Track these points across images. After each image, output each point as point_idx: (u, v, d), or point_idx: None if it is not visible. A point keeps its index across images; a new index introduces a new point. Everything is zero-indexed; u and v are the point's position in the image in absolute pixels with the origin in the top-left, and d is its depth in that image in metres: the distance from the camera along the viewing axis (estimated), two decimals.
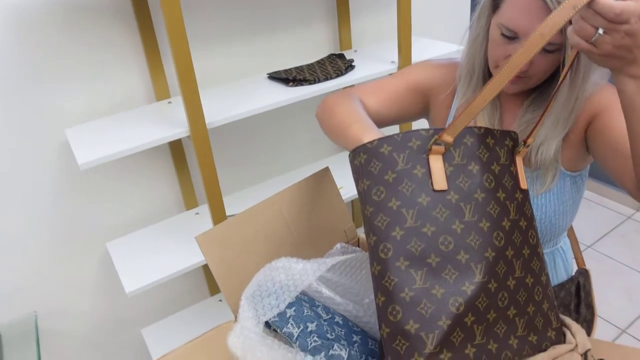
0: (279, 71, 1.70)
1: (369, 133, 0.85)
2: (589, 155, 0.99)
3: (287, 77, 1.60)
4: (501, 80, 0.68)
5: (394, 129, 1.93)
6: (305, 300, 0.83)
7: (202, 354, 0.86)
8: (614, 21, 0.62)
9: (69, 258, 1.66)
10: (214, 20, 1.63)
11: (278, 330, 0.77)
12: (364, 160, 0.74)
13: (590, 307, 1.20)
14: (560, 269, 1.16)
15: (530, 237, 0.76)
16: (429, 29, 2.16)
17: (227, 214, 1.61)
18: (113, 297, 1.79)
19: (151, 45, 1.52)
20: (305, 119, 1.95)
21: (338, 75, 1.63)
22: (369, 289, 0.90)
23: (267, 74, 1.70)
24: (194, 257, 1.51)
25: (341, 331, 0.81)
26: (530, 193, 0.99)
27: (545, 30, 0.63)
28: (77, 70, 1.47)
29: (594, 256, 2.64)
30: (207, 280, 1.93)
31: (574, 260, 1.21)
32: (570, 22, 0.66)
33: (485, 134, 0.76)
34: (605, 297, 2.39)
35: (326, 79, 1.61)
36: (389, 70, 1.69)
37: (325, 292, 0.87)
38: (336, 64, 1.71)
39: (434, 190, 0.71)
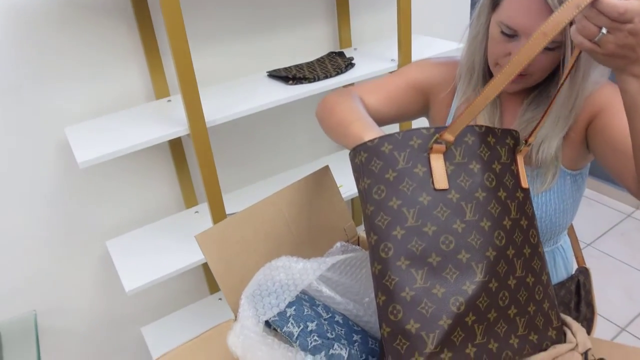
0: (278, 69, 1.69)
1: (370, 131, 0.85)
2: (589, 153, 0.99)
3: (287, 76, 1.60)
4: (503, 79, 0.68)
5: (393, 128, 1.92)
6: (305, 300, 0.83)
7: (202, 353, 0.86)
8: (618, 20, 0.62)
9: (68, 256, 1.65)
10: (214, 19, 1.62)
11: (278, 330, 0.77)
12: (364, 158, 0.74)
13: (591, 306, 1.20)
14: (560, 268, 1.16)
15: (531, 236, 0.76)
16: (429, 27, 2.16)
17: (227, 212, 1.61)
18: (112, 296, 1.79)
19: (151, 44, 1.51)
20: (304, 117, 1.95)
21: (338, 74, 1.63)
22: (369, 288, 0.90)
23: (267, 72, 1.69)
24: (194, 256, 1.51)
25: (341, 330, 0.81)
26: (531, 191, 0.99)
27: (548, 29, 0.63)
28: (77, 68, 1.47)
29: (594, 254, 2.64)
30: (207, 279, 1.93)
31: (574, 259, 1.21)
32: (571, 23, 0.66)
33: (486, 133, 0.76)
34: (604, 295, 2.39)
35: (326, 77, 1.61)
36: (389, 68, 1.69)
37: (326, 291, 0.86)
38: (336, 62, 1.71)
39: (435, 190, 0.71)
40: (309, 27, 1.83)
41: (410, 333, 0.66)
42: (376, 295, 0.70)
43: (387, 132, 0.84)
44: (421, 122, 1.60)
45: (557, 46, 0.86)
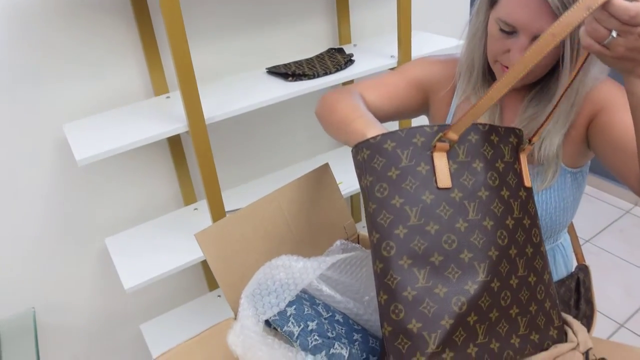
0: (278, 66, 1.69)
1: (373, 128, 0.84)
2: (589, 151, 0.98)
3: (286, 72, 1.60)
4: (510, 79, 0.67)
5: (392, 127, 1.92)
6: (305, 299, 0.83)
7: (202, 352, 0.86)
8: (629, 24, 0.60)
9: (67, 254, 1.65)
10: (213, 15, 1.61)
11: (278, 329, 0.77)
12: (367, 156, 0.73)
13: (590, 303, 1.20)
14: (560, 265, 1.16)
15: (533, 236, 0.75)
16: (429, 23, 2.15)
17: (226, 209, 1.61)
18: (111, 293, 1.78)
19: (149, 40, 1.51)
20: (304, 114, 1.94)
21: (337, 70, 1.62)
22: (369, 287, 0.90)
23: (266, 68, 1.69)
24: (193, 253, 1.50)
25: (342, 329, 0.81)
26: None
27: (557, 30, 0.62)
28: (75, 65, 1.46)
29: (593, 251, 2.65)
30: (206, 276, 1.93)
31: (574, 256, 1.21)
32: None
33: (489, 131, 0.76)
34: (603, 291, 2.39)
35: (325, 73, 1.60)
36: (388, 65, 1.68)
37: (326, 290, 0.86)
38: (335, 59, 1.70)
39: (438, 188, 0.71)
40: (309, 23, 1.82)
41: (412, 333, 0.65)
42: (378, 294, 0.69)
43: (389, 130, 0.83)
44: (420, 121, 1.60)
45: None
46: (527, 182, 0.78)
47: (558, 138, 0.94)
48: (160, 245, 1.57)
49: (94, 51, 1.47)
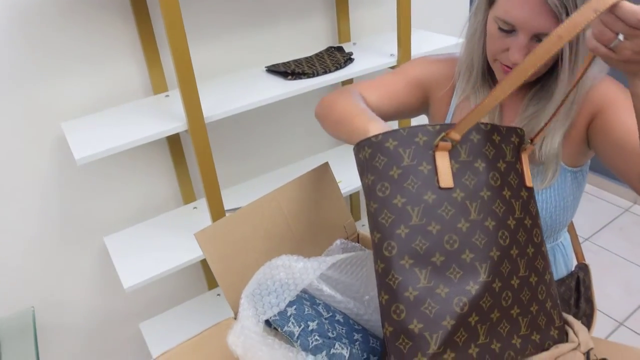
0: (277, 64, 1.68)
1: (375, 123, 0.84)
2: (590, 150, 0.98)
3: (286, 71, 1.59)
4: (515, 79, 0.66)
5: (392, 126, 1.92)
6: (305, 299, 0.82)
7: (202, 351, 0.85)
8: (636, 27, 0.60)
9: (66, 252, 1.65)
10: (212, 12, 1.61)
11: (279, 329, 0.77)
12: (368, 154, 0.73)
13: (590, 302, 1.20)
14: (560, 264, 1.16)
15: (534, 236, 0.75)
16: (429, 22, 2.15)
17: (226, 208, 1.60)
18: (111, 292, 1.78)
19: (148, 37, 1.50)
20: (303, 112, 1.94)
21: (337, 69, 1.62)
22: (369, 286, 0.89)
23: (266, 67, 1.68)
24: (192, 252, 1.50)
25: (342, 329, 0.81)
26: None
27: (564, 32, 0.61)
28: (73, 62, 1.45)
29: (592, 249, 2.65)
30: (205, 275, 1.93)
31: (573, 255, 1.21)
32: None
33: (491, 131, 0.75)
34: (602, 290, 2.39)
35: (325, 72, 1.60)
36: (388, 64, 1.68)
37: (326, 290, 0.86)
38: (335, 57, 1.70)
39: (440, 188, 0.70)
40: (308, 21, 1.82)
41: (413, 333, 0.65)
42: (379, 294, 0.69)
43: (391, 126, 0.83)
44: (420, 120, 1.59)
45: None
46: (529, 182, 0.77)
47: (558, 137, 0.94)
48: (160, 244, 1.57)
49: (92, 49, 1.47)
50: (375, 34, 1.98)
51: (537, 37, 0.86)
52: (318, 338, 0.76)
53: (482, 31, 0.97)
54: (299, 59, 1.72)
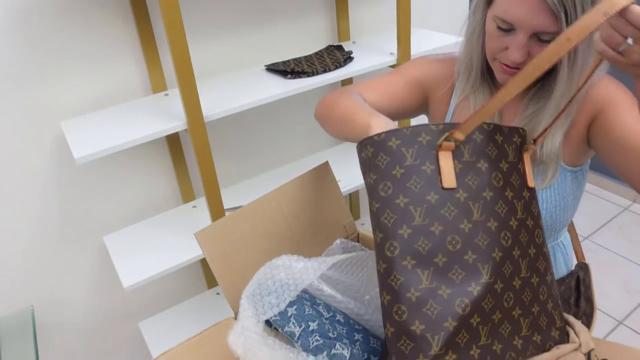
0: (276, 63, 1.68)
1: (377, 118, 0.84)
2: (590, 150, 0.98)
3: (285, 70, 1.59)
4: (521, 81, 0.66)
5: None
6: (306, 299, 0.82)
7: (202, 352, 0.85)
8: None
9: (65, 251, 1.65)
10: (211, 11, 1.61)
11: (279, 329, 0.76)
12: (370, 153, 0.72)
13: (590, 301, 1.20)
14: (560, 264, 1.16)
15: (536, 236, 0.75)
16: (428, 20, 2.15)
17: (225, 207, 1.60)
18: (110, 291, 1.78)
19: (147, 37, 1.50)
20: (302, 111, 1.94)
21: (337, 68, 1.62)
22: (369, 286, 0.89)
23: (265, 66, 1.68)
24: (192, 251, 1.50)
25: (343, 330, 0.81)
26: None
27: (573, 35, 0.61)
28: (72, 61, 1.45)
29: (591, 248, 2.65)
30: (205, 274, 1.93)
31: (573, 254, 1.21)
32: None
33: (494, 131, 0.75)
34: (602, 288, 2.39)
35: (324, 71, 1.59)
36: (387, 62, 1.68)
37: (327, 290, 0.86)
38: (334, 56, 1.69)
39: (443, 188, 0.70)
40: (307, 20, 1.82)
41: (415, 334, 0.65)
42: (381, 294, 0.69)
43: (393, 121, 0.82)
44: (419, 120, 1.59)
45: (553, 38, 0.85)
46: (531, 183, 0.77)
47: (559, 137, 0.94)
48: (159, 243, 1.57)
49: (91, 48, 1.46)
50: (374, 33, 1.98)
51: (536, 36, 0.86)
52: (319, 338, 0.76)
53: (481, 30, 0.97)
54: (298, 58, 1.72)
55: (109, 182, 1.64)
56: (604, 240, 2.69)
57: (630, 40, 0.62)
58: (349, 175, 1.78)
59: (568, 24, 0.81)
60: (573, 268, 1.20)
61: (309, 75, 1.57)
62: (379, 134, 0.72)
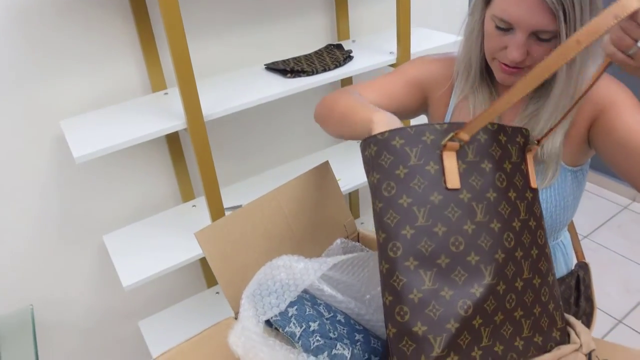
0: (276, 62, 1.68)
1: (379, 113, 0.84)
2: (590, 149, 0.98)
3: (285, 69, 1.59)
4: (529, 83, 0.65)
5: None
6: (307, 299, 0.82)
7: (202, 351, 0.85)
8: None
9: (65, 251, 1.64)
10: (211, 10, 1.60)
11: (280, 330, 0.76)
12: (374, 152, 0.72)
13: (590, 300, 1.20)
14: (560, 263, 1.16)
15: (539, 237, 0.74)
16: (428, 19, 2.14)
17: (225, 206, 1.60)
18: (110, 290, 1.78)
19: (147, 36, 1.49)
20: (302, 110, 1.93)
21: (336, 67, 1.61)
22: (370, 286, 0.89)
23: (265, 64, 1.68)
24: (192, 251, 1.50)
25: (343, 330, 0.80)
26: None
27: (583, 37, 0.60)
28: (72, 60, 1.45)
29: (591, 247, 2.65)
30: (204, 273, 1.93)
31: (573, 253, 1.21)
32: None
33: (498, 131, 0.74)
34: (601, 287, 2.39)
35: (324, 70, 1.59)
36: (387, 62, 1.68)
37: (327, 290, 0.86)
38: (334, 55, 1.69)
39: (447, 189, 0.69)
40: (307, 19, 1.81)
41: (417, 335, 0.65)
42: (383, 295, 0.68)
43: (395, 116, 0.82)
44: (419, 120, 1.59)
45: (552, 36, 0.86)
46: (534, 183, 0.77)
47: (560, 136, 0.94)
48: (159, 243, 1.57)
49: (90, 47, 1.46)
50: (374, 32, 1.98)
51: (535, 35, 0.86)
52: (319, 339, 0.75)
53: (479, 30, 0.97)
54: (298, 57, 1.72)
55: (108, 182, 1.63)
56: (603, 239, 2.69)
57: None
58: (349, 175, 1.78)
59: (566, 22, 0.82)
60: (573, 267, 1.20)
61: (308, 75, 1.57)
62: (382, 133, 0.72)
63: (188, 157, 1.72)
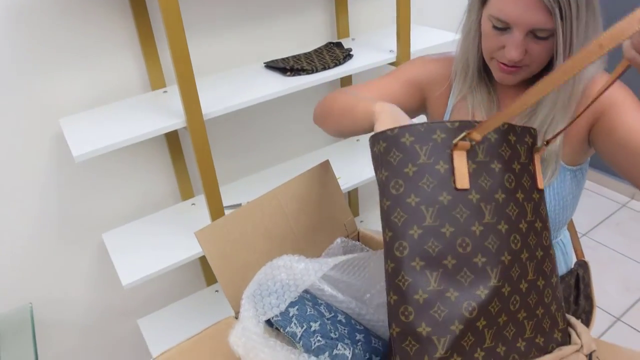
0: (276, 60, 1.67)
1: (379, 103, 0.83)
2: (590, 148, 0.98)
3: (285, 67, 1.58)
4: (548, 85, 0.63)
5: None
6: (307, 299, 0.82)
7: (202, 351, 0.85)
8: None
9: (64, 249, 1.64)
10: (210, 8, 1.60)
11: (281, 330, 0.76)
12: (383, 148, 0.71)
13: (589, 299, 1.20)
14: (560, 262, 1.17)
15: (544, 239, 0.74)
16: (428, 17, 2.14)
17: (224, 204, 1.60)
18: (109, 288, 1.78)
19: (146, 33, 1.49)
20: (302, 108, 1.93)
21: (336, 65, 1.61)
22: (370, 285, 0.89)
23: (264, 63, 1.67)
24: (191, 249, 1.50)
25: (344, 330, 0.80)
26: None
27: (605, 41, 0.59)
28: (71, 58, 1.44)
29: (589, 244, 2.65)
30: (204, 271, 1.92)
31: (573, 252, 1.22)
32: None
33: (507, 130, 0.73)
34: (600, 285, 2.39)
35: (324, 68, 1.59)
36: (387, 60, 1.67)
37: (328, 290, 0.86)
38: (334, 53, 1.69)
39: (456, 189, 0.68)
40: (307, 17, 1.81)
41: (420, 336, 0.64)
42: (388, 294, 0.68)
43: (397, 109, 0.81)
44: (418, 120, 1.58)
45: (549, 35, 0.86)
46: (540, 184, 0.76)
47: (560, 135, 0.94)
48: (158, 241, 1.56)
49: (90, 45, 1.45)
50: (374, 30, 1.97)
51: (532, 33, 0.86)
52: (320, 339, 0.75)
53: (476, 30, 0.97)
54: (297, 55, 1.71)
55: (107, 180, 1.63)
56: (602, 237, 2.70)
57: None
58: (349, 173, 1.78)
59: (563, 20, 0.82)
60: (572, 266, 1.20)
61: (308, 73, 1.57)
62: (392, 129, 0.70)
63: (187, 155, 1.72)
